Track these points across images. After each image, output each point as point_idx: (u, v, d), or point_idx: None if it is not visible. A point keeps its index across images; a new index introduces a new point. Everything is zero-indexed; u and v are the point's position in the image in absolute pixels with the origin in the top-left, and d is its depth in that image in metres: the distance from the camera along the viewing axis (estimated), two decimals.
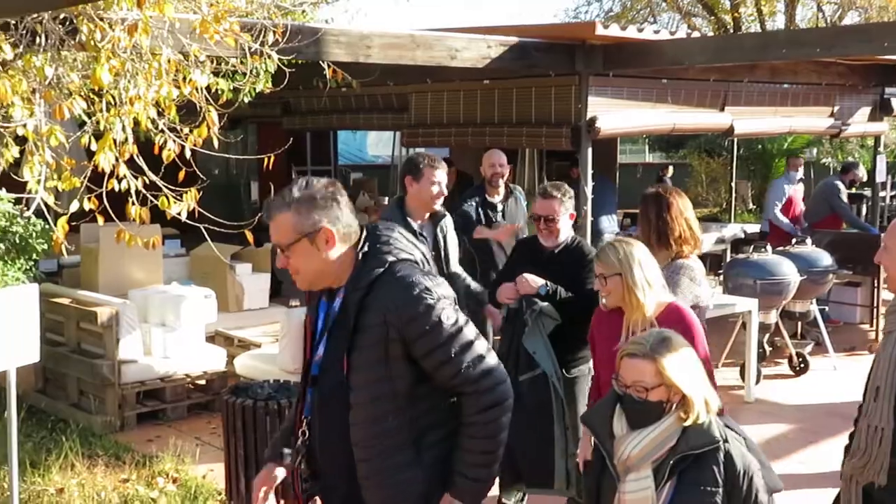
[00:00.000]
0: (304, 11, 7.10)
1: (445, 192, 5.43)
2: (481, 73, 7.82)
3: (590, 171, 7.60)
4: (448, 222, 5.71)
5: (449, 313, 2.85)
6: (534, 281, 4.61)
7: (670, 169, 17.95)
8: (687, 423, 2.67)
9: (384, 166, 19.38)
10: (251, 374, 6.39)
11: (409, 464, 2.87)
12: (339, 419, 2.87)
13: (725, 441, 2.69)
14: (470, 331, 2.89)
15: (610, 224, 9.29)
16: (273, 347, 6.94)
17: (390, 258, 2.88)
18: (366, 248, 2.90)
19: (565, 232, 4.77)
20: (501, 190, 7.04)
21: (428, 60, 6.60)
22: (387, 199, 15.10)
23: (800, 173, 11.16)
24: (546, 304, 4.64)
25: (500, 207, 6.95)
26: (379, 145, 23.16)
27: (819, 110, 9.87)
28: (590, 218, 7.70)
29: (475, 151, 9.43)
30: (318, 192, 2.87)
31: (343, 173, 17.23)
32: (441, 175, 5.35)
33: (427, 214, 5.46)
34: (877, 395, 2.99)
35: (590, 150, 7.57)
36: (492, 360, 2.90)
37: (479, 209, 6.89)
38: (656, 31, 7.70)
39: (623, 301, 3.70)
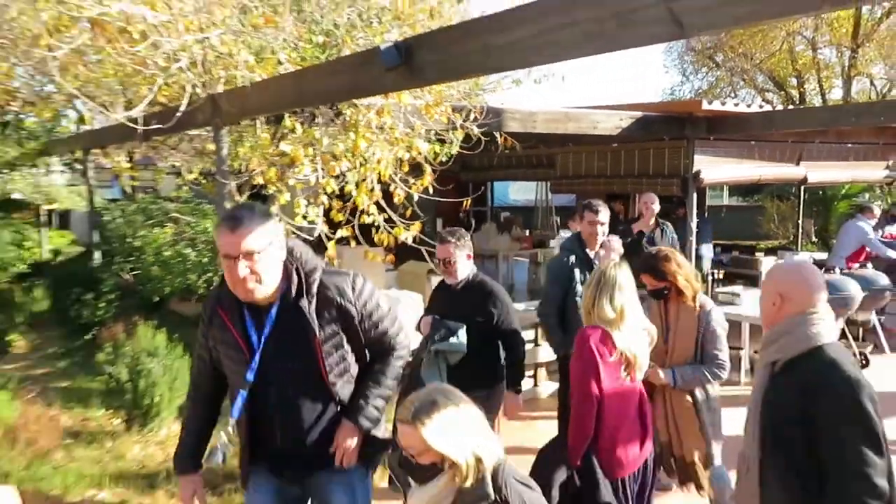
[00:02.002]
0: (479, 96, 7.39)
1: (605, 231, 5.01)
2: (612, 139, 7.96)
3: (695, 212, 7.64)
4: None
5: (379, 294, 2.76)
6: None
7: None
8: (460, 484, 2.12)
9: (525, 207, 19.54)
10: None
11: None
12: (310, 400, 2.64)
13: (500, 492, 2.10)
14: (392, 308, 2.82)
15: (708, 251, 9.20)
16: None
17: (318, 267, 2.67)
18: (297, 264, 2.63)
19: (464, 270, 4.16)
20: (651, 222, 6.88)
21: (576, 130, 6.74)
22: (528, 231, 15.28)
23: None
24: (451, 341, 4.17)
25: (646, 236, 6.78)
26: (520, 191, 23.36)
27: (876, 164, 9.51)
28: (694, 246, 7.71)
29: (602, 195, 9.54)
30: (268, 211, 2.62)
31: (496, 212, 17.53)
32: (604, 216, 4.95)
33: (598, 244, 5.04)
34: (747, 426, 2.55)
35: (695, 196, 7.62)
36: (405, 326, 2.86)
37: (629, 237, 6.62)
38: (748, 105, 7.66)
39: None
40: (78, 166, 11.94)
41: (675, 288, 3.77)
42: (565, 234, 7.42)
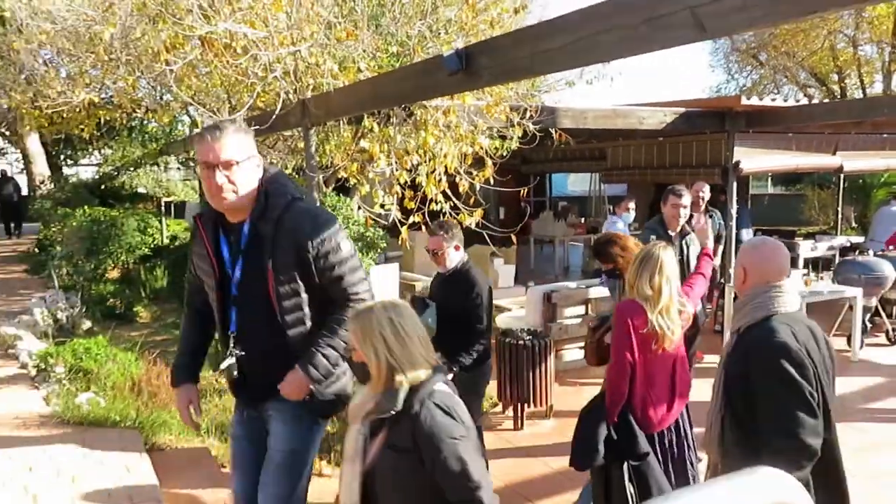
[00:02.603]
0: (535, 96, 7.37)
1: (687, 213, 4.95)
2: (657, 132, 7.83)
3: (735, 199, 7.46)
4: (691, 238, 5.06)
5: (345, 241, 2.46)
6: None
7: None
8: (378, 390, 2.02)
9: (581, 196, 19.35)
10: (507, 325, 6.59)
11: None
12: (264, 327, 2.44)
13: (410, 409, 1.95)
14: (357, 259, 2.51)
15: (747, 234, 8.96)
16: (519, 311, 7.06)
17: (289, 196, 2.45)
18: (267, 188, 2.43)
19: (453, 259, 3.95)
20: (701, 209, 6.59)
21: (624, 125, 6.63)
22: (584, 218, 15.13)
23: None
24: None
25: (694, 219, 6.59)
26: (576, 182, 23.13)
27: None
28: (734, 230, 7.53)
29: (650, 185, 9.41)
30: (248, 128, 2.42)
31: (554, 202, 17.44)
32: (686, 200, 4.87)
33: (679, 228, 5.01)
34: (713, 384, 2.46)
35: (735, 184, 7.43)
36: (369, 283, 2.53)
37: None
38: (785, 100, 7.43)
39: None
40: (191, 164, 12.47)
41: (621, 269, 3.65)
42: (613, 219, 7.35)
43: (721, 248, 7.05)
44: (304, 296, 2.44)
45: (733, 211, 7.37)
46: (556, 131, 6.41)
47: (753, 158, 7.47)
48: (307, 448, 2.58)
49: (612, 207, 15.71)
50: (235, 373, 2.51)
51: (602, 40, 2.37)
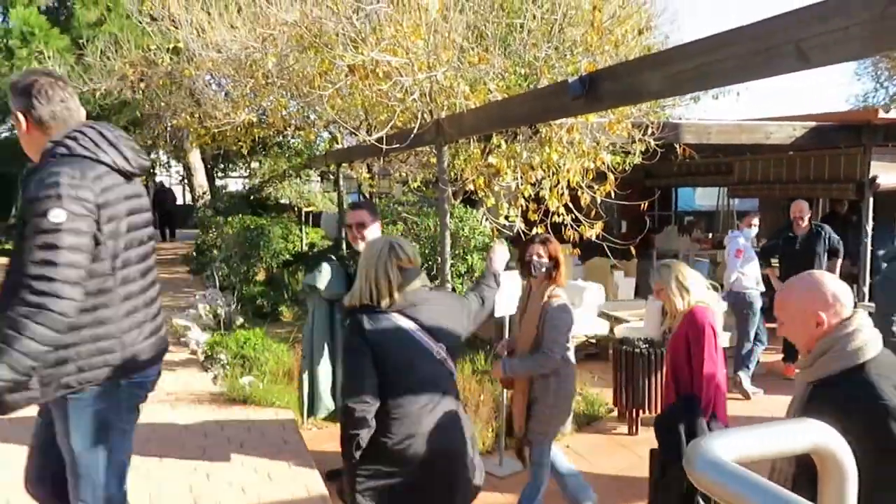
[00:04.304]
0: (658, 112, 7.42)
1: None
2: (786, 147, 7.68)
3: (871, 215, 7.19)
4: None
5: (58, 212, 1.97)
6: None
7: None
8: None
9: (709, 211, 18.82)
10: (625, 336, 6.68)
11: None
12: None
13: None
14: (66, 238, 1.98)
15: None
16: (638, 324, 7.13)
17: (55, 152, 2.13)
18: (60, 147, 2.15)
19: (372, 236, 3.71)
20: (804, 226, 6.73)
21: (749, 140, 6.57)
22: (710, 234, 14.76)
23: None
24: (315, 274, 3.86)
25: (799, 238, 6.65)
26: (703, 197, 22.44)
27: None
28: (869, 247, 7.25)
29: (780, 200, 9.18)
30: (21, 83, 2.21)
31: (679, 216, 17.08)
32: None
33: None
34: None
35: (871, 200, 7.17)
36: (59, 274, 1.96)
37: (781, 239, 6.78)
38: None
39: (667, 302, 3.41)
40: (330, 176, 13.43)
41: (556, 266, 3.65)
42: (734, 234, 7.29)
43: (839, 262, 6.97)
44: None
45: (868, 228, 7.12)
46: (679, 146, 6.51)
47: (893, 173, 7.18)
48: (91, 444, 2.20)
49: (739, 224, 15.25)
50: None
51: (716, 69, 2.62)
